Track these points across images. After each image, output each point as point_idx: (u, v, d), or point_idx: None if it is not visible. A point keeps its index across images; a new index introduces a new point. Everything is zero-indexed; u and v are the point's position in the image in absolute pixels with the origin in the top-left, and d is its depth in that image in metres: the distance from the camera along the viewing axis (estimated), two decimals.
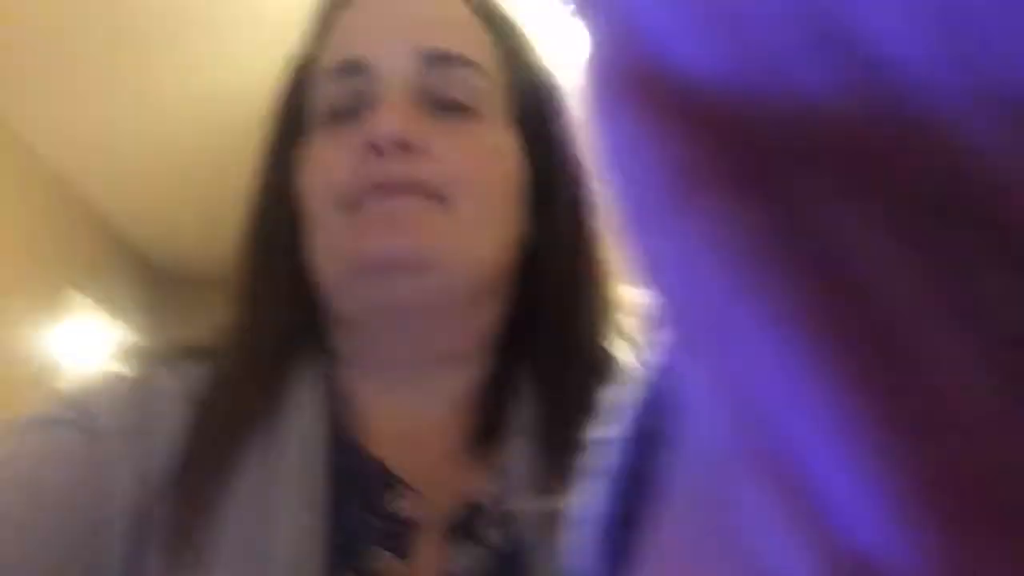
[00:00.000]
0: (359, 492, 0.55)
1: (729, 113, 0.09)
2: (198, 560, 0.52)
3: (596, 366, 0.58)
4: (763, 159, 0.09)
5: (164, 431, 0.55)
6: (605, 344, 0.60)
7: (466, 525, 0.55)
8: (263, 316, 0.60)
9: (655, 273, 0.10)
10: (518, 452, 0.56)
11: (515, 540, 0.54)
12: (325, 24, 0.62)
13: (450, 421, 0.59)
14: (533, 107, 0.60)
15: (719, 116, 0.09)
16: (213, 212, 2.28)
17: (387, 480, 0.56)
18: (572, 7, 0.11)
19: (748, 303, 0.08)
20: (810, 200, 0.08)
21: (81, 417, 0.55)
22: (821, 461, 0.08)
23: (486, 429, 0.58)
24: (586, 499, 0.14)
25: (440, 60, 0.57)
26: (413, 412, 0.59)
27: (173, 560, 0.52)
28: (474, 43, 0.59)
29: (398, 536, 0.54)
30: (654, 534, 0.11)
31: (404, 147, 0.54)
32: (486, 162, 0.57)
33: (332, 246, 0.56)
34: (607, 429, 0.14)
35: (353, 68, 0.58)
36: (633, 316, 0.62)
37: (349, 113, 0.57)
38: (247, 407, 0.56)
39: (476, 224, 0.56)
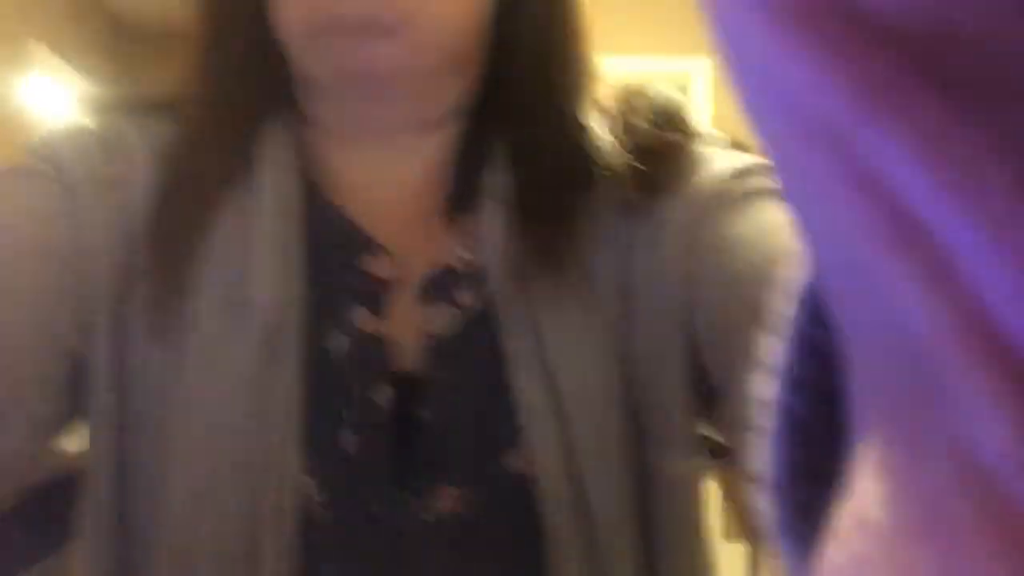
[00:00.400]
0: (335, 252, 0.57)
1: (914, 31, 0.10)
2: (179, 314, 0.54)
3: (569, 132, 0.58)
4: (948, 70, 0.09)
5: (136, 185, 0.56)
6: (579, 111, 0.59)
7: (439, 287, 0.57)
8: (230, 75, 0.58)
9: (838, 185, 0.10)
10: (491, 216, 0.57)
11: (487, 301, 0.56)
12: None
13: (424, 186, 0.59)
14: None
15: (905, 35, 0.10)
16: None
17: (363, 241, 0.57)
18: None
19: (950, 195, 0.09)
20: (999, 100, 0.09)
21: (53, 170, 0.55)
22: None
23: (459, 194, 0.59)
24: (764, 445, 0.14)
25: None
26: (387, 177, 0.59)
27: (155, 314, 0.54)
28: None
29: (374, 295, 0.56)
30: (855, 453, 0.11)
31: None
32: None
33: (297, 2, 0.53)
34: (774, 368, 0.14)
35: None
36: (606, 86, 0.61)
37: None
38: (220, 164, 0.57)
39: None
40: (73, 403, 0.55)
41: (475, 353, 0.55)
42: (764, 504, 0.14)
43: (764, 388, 0.14)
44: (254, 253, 0.54)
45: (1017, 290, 0.09)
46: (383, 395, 0.54)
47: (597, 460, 0.54)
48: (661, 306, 0.55)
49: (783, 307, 0.13)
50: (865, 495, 0.10)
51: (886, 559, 0.10)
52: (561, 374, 0.54)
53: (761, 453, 0.14)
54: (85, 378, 0.54)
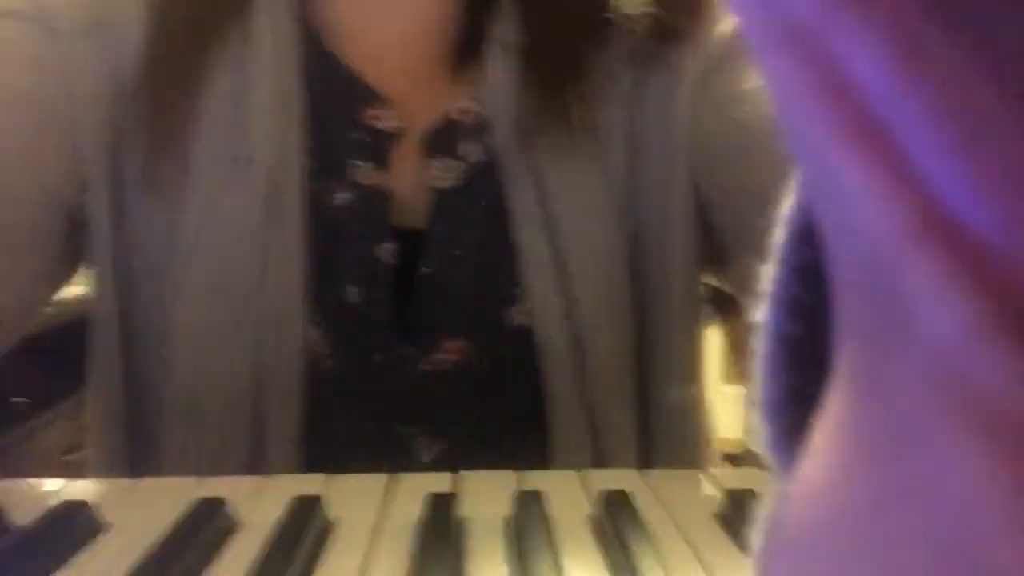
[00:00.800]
0: (337, 104, 0.55)
1: None
2: (176, 166, 0.53)
3: None
4: None
5: (126, 31, 0.54)
6: None
7: (443, 138, 0.56)
8: None
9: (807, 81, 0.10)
10: (498, 65, 0.55)
11: (491, 154, 0.55)
12: None
13: (429, 34, 0.57)
14: None
15: None
16: None
17: (365, 93, 0.56)
18: None
19: (906, 85, 0.09)
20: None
21: (35, 12, 0.53)
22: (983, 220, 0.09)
23: (465, 42, 0.57)
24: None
25: None
26: (389, 23, 0.57)
27: (151, 167, 0.53)
28: None
29: (377, 148, 0.55)
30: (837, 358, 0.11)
31: None
32: None
33: None
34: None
35: None
36: None
37: None
38: (214, 9, 0.54)
39: None
40: (75, 255, 0.55)
41: (478, 207, 0.55)
42: (758, 424, 0.14)
43: (760, 311, 0.14)
44: (253, 105, 0.53)
45: (967, 177, 0.09)
46: (386, 249, 0.54)
47: (597, 315, 0.55)
48: (670, 160, 0.55)
49: (778, 231, 0.13)
50: (839, 410, 0.10)
51: (866, 475, 0.10)
52: (564, 229, 0.54)
53: (755, 374, 0.14)
54: (84, 230, 0.54)
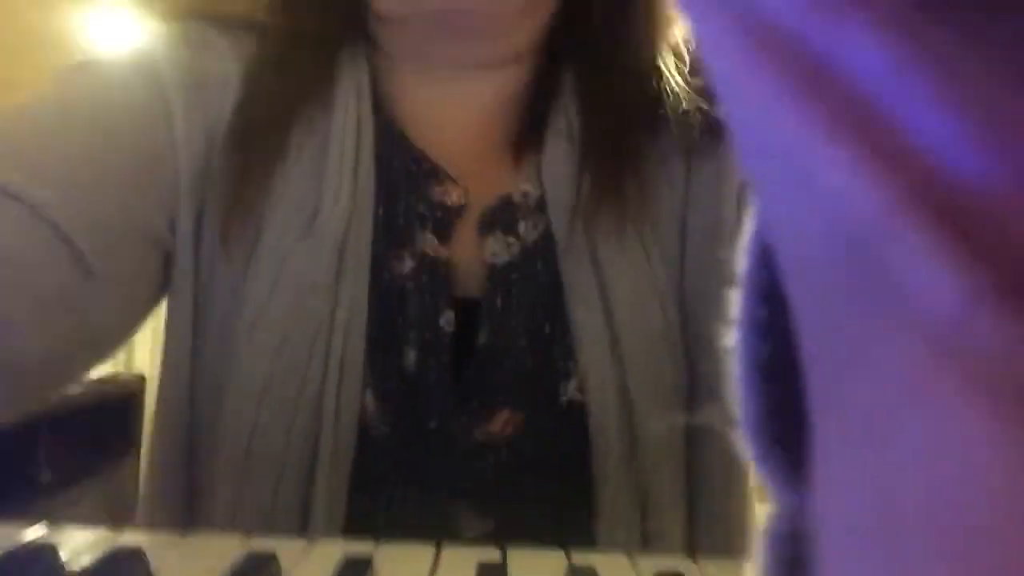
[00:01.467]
0: (407, 179, 0.58)
1: None
2: (250, 226, 0.55)
3: (640, 74, 0.58)
4: None
5: (221, 94, 0.57)
6: (651, 53, 0.59)
7: (503, 216, 0.57)
8: (309, 6, 0.59)
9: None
10: (557, 152, 0.58)
11: (548, 234, 0.57)
12: None
13: (492, 119, 0.60)
14: None
15: None
16: None
17: (433, 171, 0.58)
18: None
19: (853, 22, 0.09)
20: None
21: (143, 66, 0.56)
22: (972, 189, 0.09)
23: (528, 130, 0.59)
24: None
25: None
26: (457, 109, 0.60)
27: (227, 223, 0.55)
28: None
29: (442, 221, 0.57)
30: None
31: None
32: None
33: None
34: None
35: None
36: (680, 29, 0.60)
37: None
38: (298, 87, 0.58)
39: None
40: (164, 288, 0.56)
41: (534, 282, 0.56)
42: (744, 444, 0.14)
43: (730, 337, 0.14)
44: (328, 175, 0.55)
45: (968, 133, 0.09)
46: (445, 318, 0.55)
47: (650, 396, 0.55)
48: (719, 244, 0.56)
49: (740, 259, 0.14)
50: (825, 412, 0.10)
51: (868, 457, 0.10)
52: (620, 308, 0.55)
53: (734, 398, 0.14)
54: (170, 271, 0.56)
